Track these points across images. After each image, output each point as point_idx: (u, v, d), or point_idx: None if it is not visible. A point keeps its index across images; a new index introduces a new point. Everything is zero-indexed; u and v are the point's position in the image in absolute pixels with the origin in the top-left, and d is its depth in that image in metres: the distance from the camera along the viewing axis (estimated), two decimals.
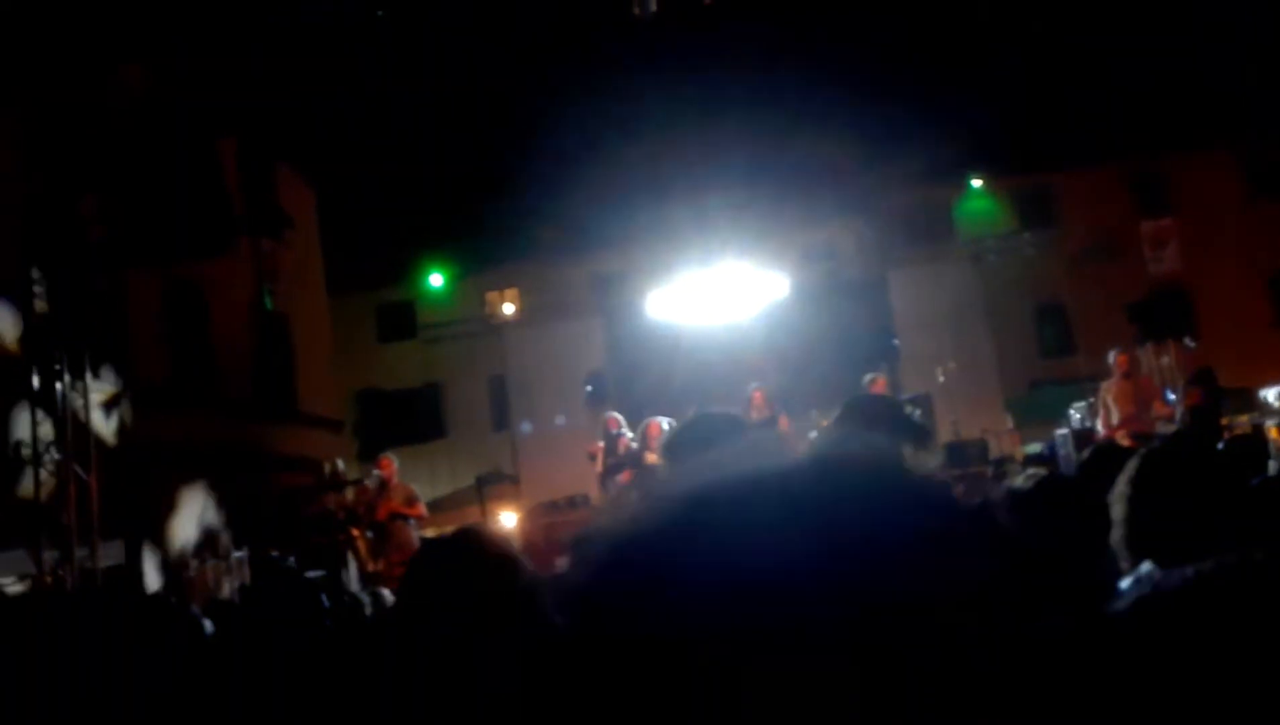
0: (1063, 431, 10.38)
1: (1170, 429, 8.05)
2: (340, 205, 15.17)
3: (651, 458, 9.10)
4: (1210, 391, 8.57)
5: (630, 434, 9.90)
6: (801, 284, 14.53)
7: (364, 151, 14.08)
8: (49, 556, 8.34)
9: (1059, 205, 14.60)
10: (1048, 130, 13.53)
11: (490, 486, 12.18)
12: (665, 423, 9.89)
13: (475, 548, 2.44)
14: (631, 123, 13.23)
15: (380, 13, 12.47)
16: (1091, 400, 10.66)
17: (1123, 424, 8.29)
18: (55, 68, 9.42)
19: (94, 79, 9.71)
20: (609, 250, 14.32)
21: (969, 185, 15.43)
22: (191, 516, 9.15)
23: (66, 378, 8.89)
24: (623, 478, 9.40)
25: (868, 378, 9.94)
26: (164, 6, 10.23)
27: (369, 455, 11.67)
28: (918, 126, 13.27)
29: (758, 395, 9.81)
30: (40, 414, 8.79)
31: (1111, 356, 8.88)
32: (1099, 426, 8.84)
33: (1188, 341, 10.47)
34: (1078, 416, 10.86)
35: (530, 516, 11.55)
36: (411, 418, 14.77)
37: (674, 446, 3.21)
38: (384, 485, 9.10)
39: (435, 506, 11.49)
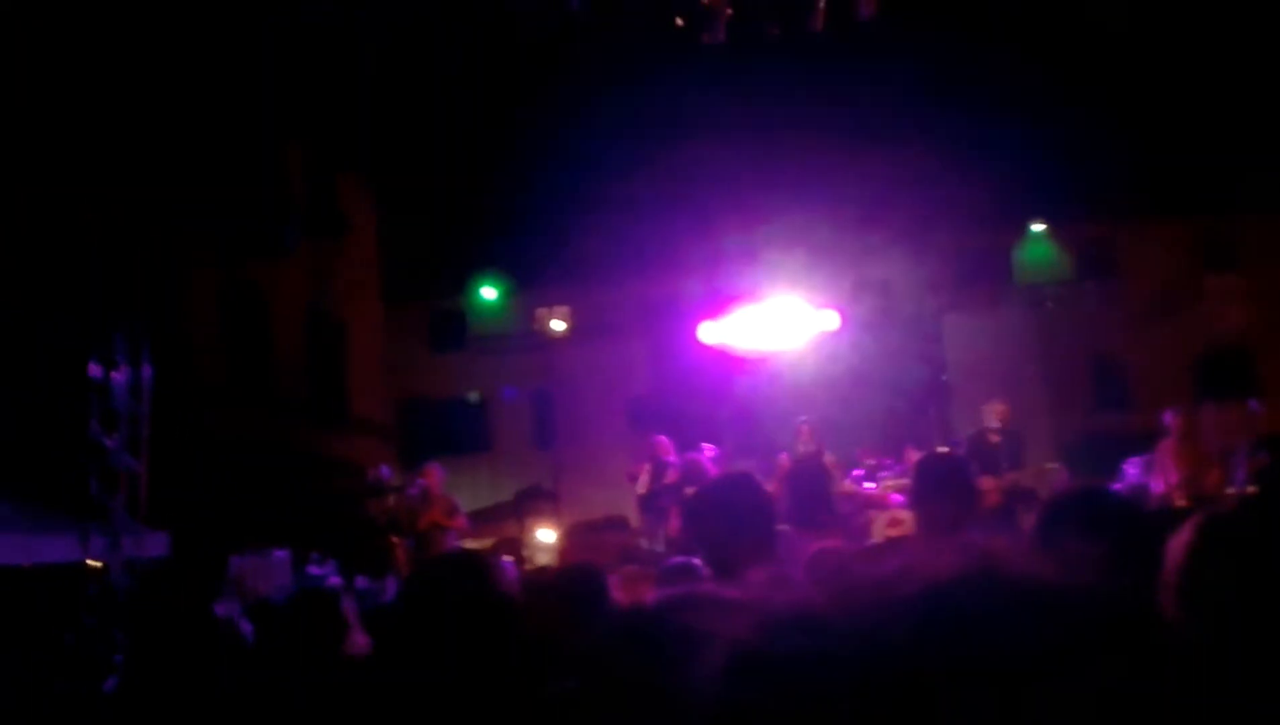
0: (1116, 487, 10.14)
1: (1231, 493, 7.81)
2: (399, 214, 15.36)
3: (691, 492, 9.07)
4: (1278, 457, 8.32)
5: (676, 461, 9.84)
6: (854, 317, 14.42)
7: (424, 163, 14.26)
8: (96, 543, 8.49)
9: (1122, 256, 14.35)
10: (1115, 180, 13.33)
11: (530, 502, 12.20)
12: (708, 453, 9.84)
13: (475, 581, 2.27)
14: (688, 150, 13.25)
15: (450, 26, 12.64)
16: (1148, 457, 10.40)
17: (1181, 485, 8.07)
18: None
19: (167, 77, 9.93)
20: (660, 275, 14.34)
21: (1030, 230, 15.23)
22: (238, 513, 9.26)
23: (124, 368, 9.06)
24: (672, 522, 9.29)
25: (988, 408, 9.72)
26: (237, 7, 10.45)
27: (413, 463, 11.74)
28: (982, 167, 13.14)
29: (804, 429, 9.72)
30: (95, 402, 8.97)
31: (1168, 417, 8.67)
32: (1154, 486, 8.61)
33: (1251, 404, 10.19)
34: (1133, 472, 10.60)
35: (568, 535, 11.54)
36: (456, 428, 14.86)
37: (694, 514, 3.23)
38: (427, 494, 9.14)
39: (474, 519, 11.51)
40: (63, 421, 9.10)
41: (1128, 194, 13.63)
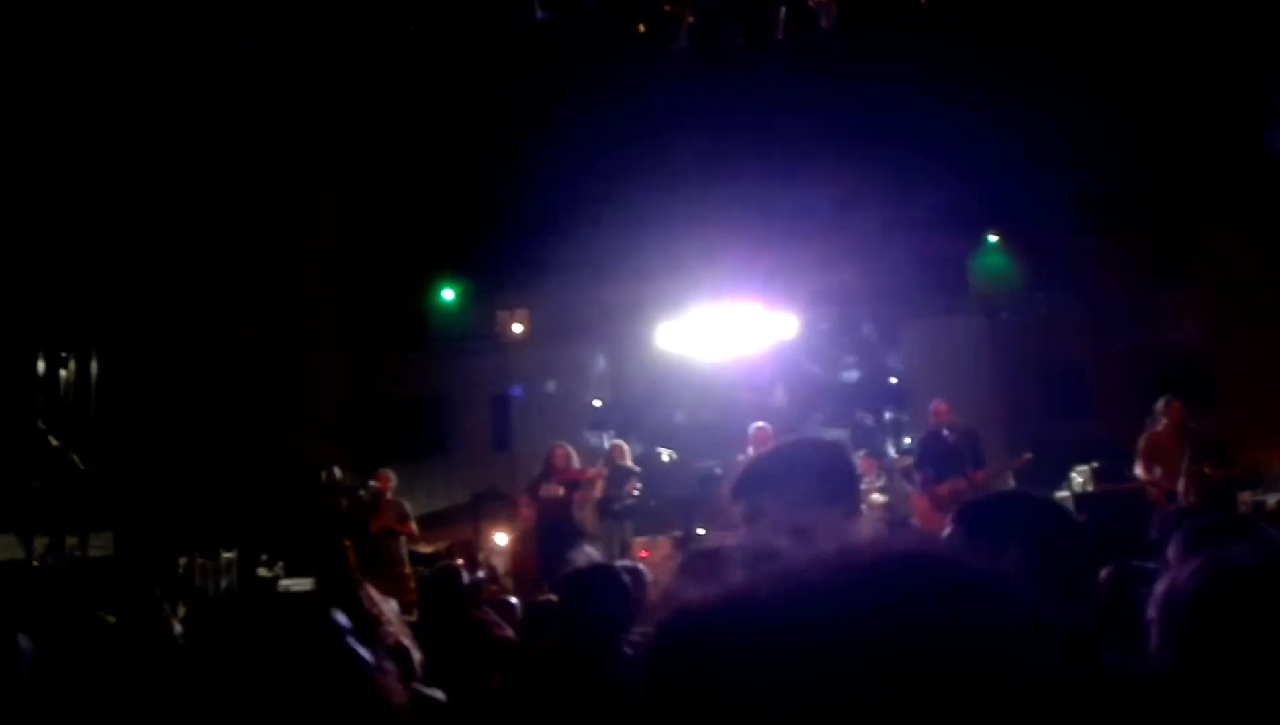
0: (1063, 494, 10.25)
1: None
2: (360, 213, 15.23)
3: (549, 489, 9.13)
4: (1221, 466, 8.46)
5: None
6: (812, 324, 14.53)
7: (387, 165, 14.15)
8: (39, 543, 8.30)
9: (1077, 268, 14.58)
10: (1068, 192, 13.53)
11: (485, 505, 12.11)
12: (567, 449, 9.87)
13: None
14: (647, 156, 13.27)
15: (414, 27, 12.55)
16: (1095, 464, 10.54)
17: (1192, 482, 8.01)
18: None
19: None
20: (619, 280, 14.34)
21: (985, 240, 15.44)
22: (184, 512, 9.10)
23: (72, 366, 8.88)
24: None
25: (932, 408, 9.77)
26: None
27: (366, 464, 11.62)
28: (936, 178, 13.28)
29: (759, 434, 9.77)
30: (41, 399, 8.78)
31: (1161, 404, 8.54)
32: (1140, 473, 8.54)
33: (1197, 413, 10.36)
34: (1079, 480, 10.75)
35: (522, 540, 11.46)
36: (412, 430, 14.74)
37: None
38: (378, 499, 9.06)
39: (429, 522, 11.41)
40: (7, 417, 8.90)
41: (1083, 206, 13.86)
